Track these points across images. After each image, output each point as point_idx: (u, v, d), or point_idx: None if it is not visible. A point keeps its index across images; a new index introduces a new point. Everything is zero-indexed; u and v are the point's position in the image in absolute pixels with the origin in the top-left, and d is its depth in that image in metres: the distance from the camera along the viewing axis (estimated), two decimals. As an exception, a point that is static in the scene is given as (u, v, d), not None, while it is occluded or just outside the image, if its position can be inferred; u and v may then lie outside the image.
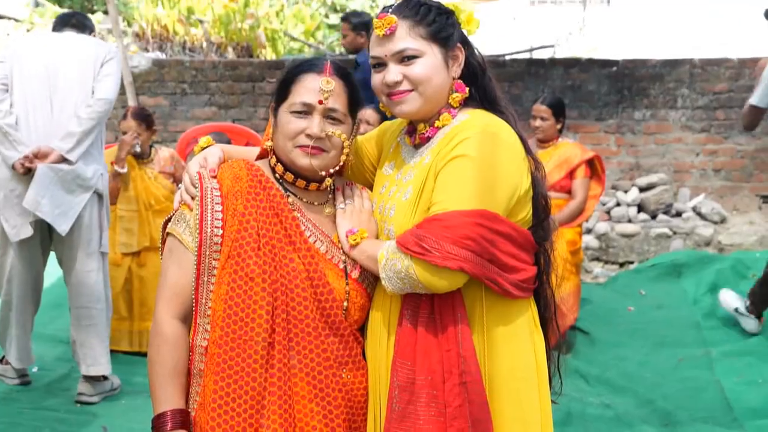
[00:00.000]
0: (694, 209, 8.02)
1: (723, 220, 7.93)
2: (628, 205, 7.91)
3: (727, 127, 8.23)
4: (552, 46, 9.02)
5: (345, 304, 2.00)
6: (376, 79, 2.04)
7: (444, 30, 2.01)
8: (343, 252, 2.05)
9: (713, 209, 7.92)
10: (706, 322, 5.88)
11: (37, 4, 12.44)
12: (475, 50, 2.10)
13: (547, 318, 2.09)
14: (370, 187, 2.21)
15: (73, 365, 4.68)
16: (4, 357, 4.52)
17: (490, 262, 1.88)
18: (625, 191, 8.08)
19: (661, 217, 7.81)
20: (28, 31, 10.88)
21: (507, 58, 8.78)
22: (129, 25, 11.01)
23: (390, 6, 2.05)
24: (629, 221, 7.79)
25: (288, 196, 2.06)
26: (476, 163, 1.88)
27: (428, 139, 2.05)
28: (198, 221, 1.97)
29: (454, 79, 2.04)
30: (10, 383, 4.48)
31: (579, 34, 11.85)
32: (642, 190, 7.99)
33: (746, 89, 8.15)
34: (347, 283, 2.02)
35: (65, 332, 4.96)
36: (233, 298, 1.93)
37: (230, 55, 10.00)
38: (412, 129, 2.12)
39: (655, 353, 5.33)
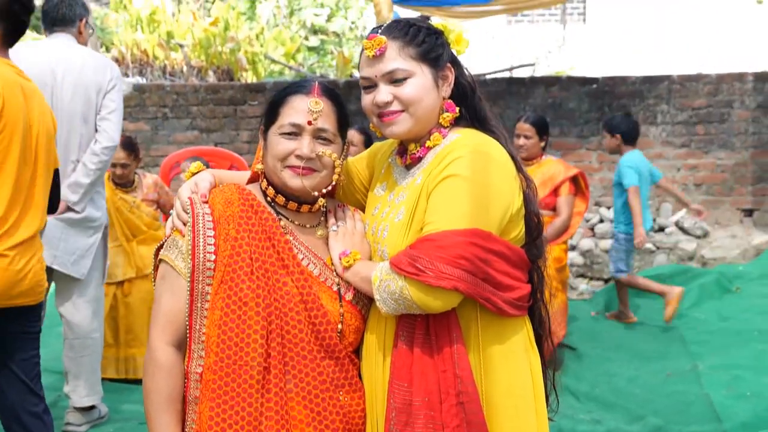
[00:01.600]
0: (676, 224, 8.08)
1: (705, 235, 7.99)
2: (612, 221, 7.94)
3: (707, 142, 8.30)
4: (532, 64, 9.09)
5: (339, 326, 1.99)
6: (367, 99, 2.04)
7: (434, 50, 2.02)
8: (337, 274, 2.04)
9: (695, 224, 7.97)
10: (692, 336, 5.93)
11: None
12: (465, 70, 2.11)
13: (541, 335, 2.09)
14: (362, 209, 2.21)
15: (59, 394, 4.63)
16: None
17: (485, 281, 1.88)
18: (608, 207, 8.11)
19: (644, 232, 7.85)
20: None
21: (488, 77, 8.83)
22: (108, 50, 10.99)
23: (379, 27, 2.05)
24: (612, 237, 7.82)
25: (280, 219, 2.05)
26: (468, 182, 1.88)
27: (419, 159, 2.04)
28: (190, 247, 1.96)
29: (444, 98, 2.05)
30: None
31: (558, 52, 11.93)
32: (624, 206, 8.03)
33: (724, 104, 8.26)
34: (341, 306, 2.01)
35: (51, 361, 4.90)
36: (227, 323, 1.91)
37: (211, 78, 10.01)
38: (403, 149, 2.12)
39: (643, 368, 5.35)
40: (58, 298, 4.34)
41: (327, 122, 2.02)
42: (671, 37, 14.99)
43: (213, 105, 8.58)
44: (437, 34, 2.05)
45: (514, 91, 8.35)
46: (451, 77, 2.05)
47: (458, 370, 1.89)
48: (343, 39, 13.30)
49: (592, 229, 7.95)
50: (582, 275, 7.67)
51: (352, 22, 13.79)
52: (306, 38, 12.89)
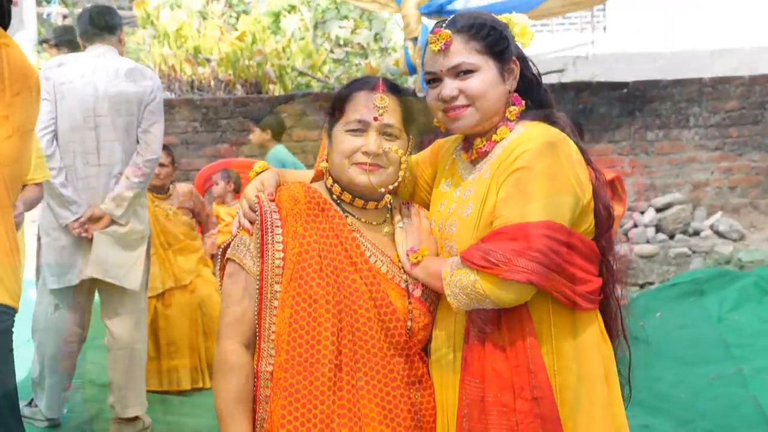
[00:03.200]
0: (711, 227, 8.00)
1: (741, 238, 7.91)
2: (646, 225, 7.89)
3: (740, 144, 8.23)
4: (562, 70, 9.05)
5: (408, 323, 1.97)
6: (432, 94, 2.02)
7: (499, 44, 2.00)
8: (404, 271, 2.03)
9: (731, 227, 7.89)
10: (734, 339, 5.82)
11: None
12: (530, 62, 2.10)
13: (613, 329, 2.07)
14: (425, 206, 2.19)
15: (101, 406, 4.63)
16: (33, 399, 4.45)
17: (559, 273, 1.86)
18: (642, 212, 8.06)
19: (679, 236, 7.78)
20: (38, 53, 10.90)
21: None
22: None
23: (443, 21, 2.04)
24: (647, 242, 7.77)
25: (346, 216, 2.04)
26: (539, 174, 1.86)
27: (486, 153, 2.02)
28: (259, 245, 1.95)
29: (510, 92, 2.03)
30: (39, 425, 4.41)
31: (585, 60, 11.88)
32: (659, 210, 7.97)
33: (758, 106, 8.18)
34: (410, 302, 1.99)
35: (94, 373, 4.92)
36: (297, 321, 1.90)
37: (239, 92, 10.02)
38: (468, 144, 2.09)
39: (686, 373, 5.24)
40: (103, 310, 4.35)
41: (393, 117, 2.01)
42: (696, 40, 14.90)
43: (242, 118, 8.59)
44: (502, 28, 2.04)
45: (544, 97, 8.31)
46: (517, 70, 2.03)
47: (532, 365, 1.87)
48: (368, 50, 13.29)
49: (626, 234, 7.89)
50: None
51: (377, 34, 13.78)
52: (331, 51, 12.89)
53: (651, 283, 7.54)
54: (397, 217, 2.10)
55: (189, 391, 5.09)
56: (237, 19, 12.71)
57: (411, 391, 1.95)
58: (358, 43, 13.24)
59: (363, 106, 2.00)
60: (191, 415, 4.69)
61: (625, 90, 8.28)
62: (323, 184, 2.11)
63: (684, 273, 7.48)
